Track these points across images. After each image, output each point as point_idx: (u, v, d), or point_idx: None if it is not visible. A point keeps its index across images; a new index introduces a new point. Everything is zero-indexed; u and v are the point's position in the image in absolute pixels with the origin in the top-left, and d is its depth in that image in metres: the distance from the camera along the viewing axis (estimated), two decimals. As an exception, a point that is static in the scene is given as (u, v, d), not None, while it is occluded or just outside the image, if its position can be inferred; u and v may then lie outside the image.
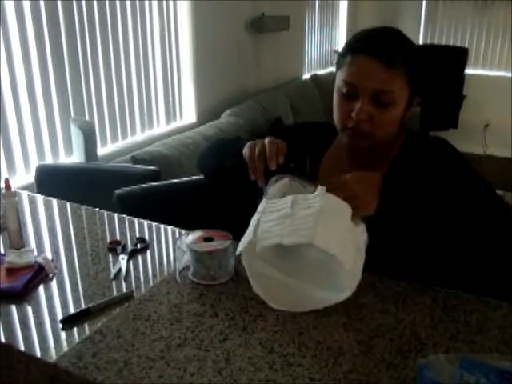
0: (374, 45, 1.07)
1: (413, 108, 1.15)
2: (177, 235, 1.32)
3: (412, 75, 1.09)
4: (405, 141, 1.20)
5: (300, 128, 1.37)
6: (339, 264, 0.90)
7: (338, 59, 1.15)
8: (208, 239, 1.11)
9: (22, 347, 0.91)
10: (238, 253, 0.99)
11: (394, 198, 1.00)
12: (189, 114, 3.28)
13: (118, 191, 1.76)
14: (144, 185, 1.86)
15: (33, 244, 1.29)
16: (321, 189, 0.96)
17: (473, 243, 1.06)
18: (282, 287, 1.03)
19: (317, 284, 1.02)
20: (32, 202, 1.56)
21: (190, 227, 1.21)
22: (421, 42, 5.50)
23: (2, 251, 1.22)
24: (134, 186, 1.81)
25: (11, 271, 1.11)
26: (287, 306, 1.00)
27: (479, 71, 5.43)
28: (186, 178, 2.03)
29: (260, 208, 1.01)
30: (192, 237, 1.12)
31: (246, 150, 1.11)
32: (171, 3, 2.97)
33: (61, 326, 0.96)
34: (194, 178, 2.04)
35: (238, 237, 1.04)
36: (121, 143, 2.76)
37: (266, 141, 1.07)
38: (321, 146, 1.27)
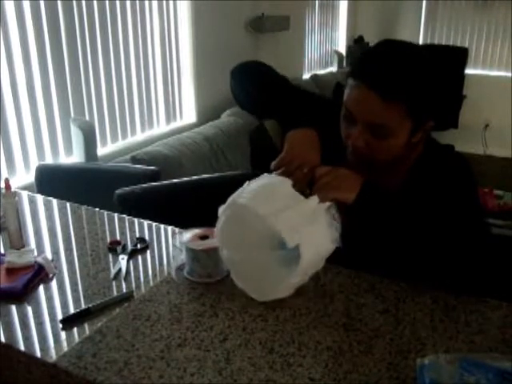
0: (375, 75, 1.00)
1: (423, 132, 1.09)
2: (177, 235, 1.32)
3: (415, 106, 1.02)
4: (423, 155, 1.14)
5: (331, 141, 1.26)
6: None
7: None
8: (203, 237, 1.11)
9: (22, 347, 0.91)
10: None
11: (407, 210, 1.02)
12: (189, 114, 3.28)
13: (118, 191, 1.76)
14: (144, 185, 1.87)
15: (33, 244, 1.29)
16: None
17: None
18: (253, 276, 1.04)
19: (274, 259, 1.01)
20: (32, 202, 1.56)
21: (190, 227, 1.21)
22: (421, 42, 5.51)
23: (2, 251, 1.22)
24: (134, 186, 1.81)
25: (11, 271, 1.11)
26: (270, 295, 1.02)
27: (479, 71, 5.43)
28: (185, 178, 2.03)
29: None
30: (187, 235, 1.13)
31: (286, 147, 1.10)
32: (171, 3, 2.97)
33: (61, 326, 0.96)
34: (194, 177, 2.04)
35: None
36: (121, 143, 2.76)
37: (298, 167, 1.05)
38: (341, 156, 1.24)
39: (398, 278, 1.10)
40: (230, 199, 1.00)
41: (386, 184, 1.13)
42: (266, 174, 1.05)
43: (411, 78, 1.01)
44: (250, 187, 1.01)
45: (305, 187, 1.03)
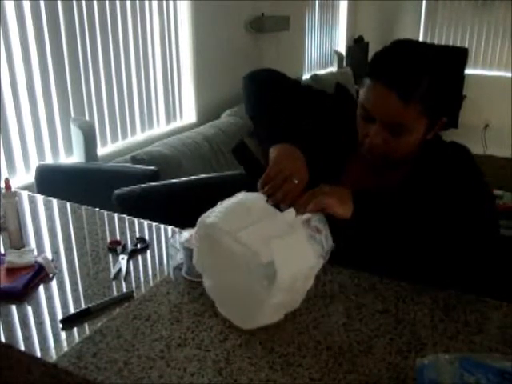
0: (394, 75, 1.02)
1: (437, 129, 1.11)
2: (177, 235, 1.32)
3: (431, 105, 1.04)
4: (426, 148, 1.15)
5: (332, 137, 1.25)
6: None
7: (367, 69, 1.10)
8: None
9: (22, 347, 0.91)
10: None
11: (411, 201, 1.02)
12: (189, 114, 3.28)
13: (117, 191, 1.76)
14: (144, 185, 1.87)
15: (33, 244, 1.29)
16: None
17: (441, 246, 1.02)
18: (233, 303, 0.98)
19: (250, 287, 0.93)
20: (32, 202, 1.56)
21: (190, 227, 1.21)
22: (421, 41, 5.50)
23: (2, 251, 1.22)
24: (133, 186, 1.81)
25: (11, 271, 1.11)
26: (255, 321, 0.94)
27: (479, 71, 5.43)
28: (185, 178, 2.03)
29: None
30: (185, 235, 1.13)
31: (271, 162, 1.08)
32: (171, 3, 2.97)
33: (61, 326, 0.96)
34: (194, 178, 2.04)
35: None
36: (121, 143, 2.76)
37: (285, 179, 1.02)
38: (344, 152, 1.23)
39: (398, 278, 1.10)
40: (199, 220, 0.97)
41: (391, 178, 1.14)
42: (241, 192, 1.01)
43: (428, 78, 1.03)
44: (221, 206, 0.98)
45: (296, 198, 0.99)
